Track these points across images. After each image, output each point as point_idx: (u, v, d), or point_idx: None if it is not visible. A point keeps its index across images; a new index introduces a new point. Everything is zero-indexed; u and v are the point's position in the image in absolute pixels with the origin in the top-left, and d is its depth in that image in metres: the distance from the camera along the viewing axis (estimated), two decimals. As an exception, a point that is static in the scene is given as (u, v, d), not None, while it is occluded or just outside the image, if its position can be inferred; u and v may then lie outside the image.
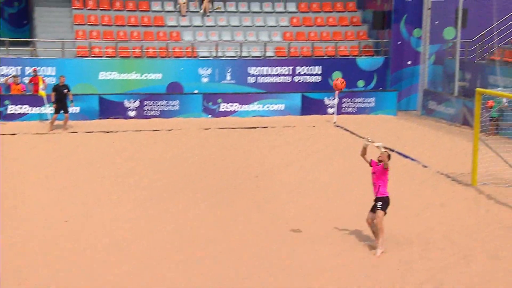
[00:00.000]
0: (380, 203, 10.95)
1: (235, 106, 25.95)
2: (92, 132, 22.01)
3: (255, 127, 23.83)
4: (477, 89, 15.65)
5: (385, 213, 10.83)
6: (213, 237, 11.63)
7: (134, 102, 25.00)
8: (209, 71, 26.91)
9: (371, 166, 11.13)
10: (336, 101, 25.29)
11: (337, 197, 14.53)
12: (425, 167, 17.51)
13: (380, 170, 10.96)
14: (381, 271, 10.04)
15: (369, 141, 10.83)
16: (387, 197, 10.93)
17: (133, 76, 26.17)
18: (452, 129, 24.00)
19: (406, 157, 18.35)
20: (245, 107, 26.02)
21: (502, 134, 21.45)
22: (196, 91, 26.38)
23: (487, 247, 11.15)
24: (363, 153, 11.31)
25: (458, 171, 16.88)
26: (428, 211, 13.54)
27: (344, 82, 11.73)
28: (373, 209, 10.99)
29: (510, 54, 23.96)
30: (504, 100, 20.84)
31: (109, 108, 24.67)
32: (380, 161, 10.99)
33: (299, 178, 16.23)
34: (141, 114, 25.08)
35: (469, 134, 21.66)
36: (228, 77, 27.11)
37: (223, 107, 25.88)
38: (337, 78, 11.70)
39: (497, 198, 14.36)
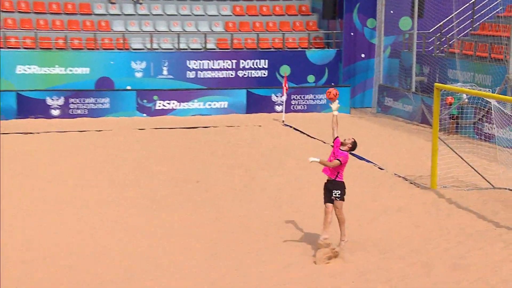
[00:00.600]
0: (338, 191, 11.19)
1: (172, 104, 25.83)
2: (8, 133, 21.52)
3: (196, 127, 23.77)
4: (436, 84, 16.03)
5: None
6: (143, 247, 11.58)
7: (58, 99, 24.58)
8: (143, 65, 26.69)
9: (333, 144, 11.37)
10: (284, 98, 25.48)
11: (287, 202, 14.62)
12: (381, 169, 17.83)
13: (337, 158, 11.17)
14: (336, 283, 10.15)
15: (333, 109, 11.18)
16: (343, 182, 11.19)
17: (56, 70, 25.71)
18: (410, 128, 24.52)
19: (361, 158, 18.64)
20: (184, 105, 25.93)
21: (463, 133, 22.04)
22: (128, 87, 26.13)
23: (448, 255, 11.42)
24: (334, 122, 11.49)
25: (417, 173, 17.25)
26: (385, 216, 13.78)
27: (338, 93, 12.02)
28: (329, 197, 11.13)
29: (470, 47, 24.65)
30: (464, 96, 21.43)
31: (29, 106, 24.19)
32: (343, 144, 11.30)
33: (245, 182, 16.28)
34: (66, 113, 24.68)
35: (428, 133, 22.16)
36: (165, 72, 26.96)
37: (160, 105, 25.71)
38: (333, 89, 11.93)
39: (458, 202, 14.74)
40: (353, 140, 11.49)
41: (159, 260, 11.14)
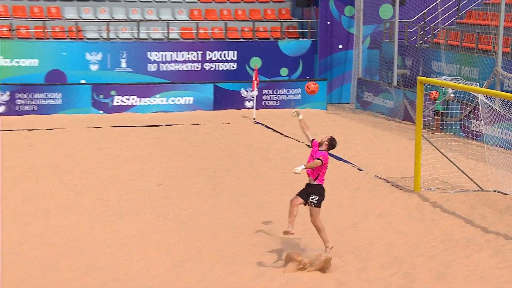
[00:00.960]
0: (316, 197, 11.26)
1: (132, 100, 25.72)
2: (-50, 133, 21.27)
3: (158, 125, 23.69)
4: (419, 77, 16.17)
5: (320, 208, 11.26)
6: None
7: (3, 94, 24.34)
8: (99, 56, 26.53)
9: (311, 146, 11.43)
10: (255, 93, 25.51)
11: (257, 208, 14.66)
12: (361, 170, 17.95)
13: (316, 158, 11.29)
14: (311, 296, 10.22)
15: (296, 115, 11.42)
16: (323, 187, 11.30)
17: (1, 62, 25.41)
18: (392, 125, 24.71)
19: (338, 158, 18.74)
20: (145, 101, 25.83)
21: (448, 131, 22.28)
22: (83, 81, 25.95)
23: (433, 264, 11.54)
24: (301, 126, 11.64)
25: (399, 175, 17.39)
26: (365, 222, 13.87)
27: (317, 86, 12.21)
28: (305, 198, 11.21)
29: (456, 37, 24.92)
30: (450, 90, 21.66)
31: (-29, 102, 23.92)
32: (320, 144, 11.44)
33: (212, 186, 16.27)
34: (12, 109, 24.44)
35: (410, 131, 22.35)
36: (123, 64, 26.82)
37: (118, 100, 25.59)
38: (312, 83, 12.14)
39: (443, 206, 14.89)
40: (329, 137, 11.56)
41: (116, 270, 11.08)
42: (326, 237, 11.49)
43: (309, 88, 12.46)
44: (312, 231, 12.11)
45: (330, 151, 11.70)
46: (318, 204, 11.32)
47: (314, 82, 12.62)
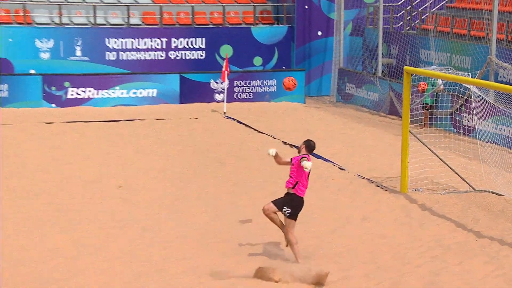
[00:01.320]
0: (288, 210, 11.44)
1: (88, 92, 25.59)
2: None
3: (117, 121, 23.58)
4: (406, 67, 16.25)
5: (295, 220, 11.51)
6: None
7: None
8: (51, 43, 26.34)
9: (292, 163, 11.67)
10: (226, 84, 25.48)
11: (227, 212, 14.64)
12: (342, 169, 18.00)
13: (297, 164, 11.50)
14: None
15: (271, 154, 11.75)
16: (299, 198, 11.47)
17: None
18: (376, 120, 24.81)
19: (318, 157, 18.78)
20: (103, 94, 25.71)
21: (438, 126, 22.43)
22: (32, 71, 25.76)
23: (421, 272, 11.60)
24: (277, 161, 11.95)
25: (384, 175, 17.46)
26: (347, 227, 13.91)
27: (295, 81, 12.46)
28: (279, 206, 11.50)
29: (446, 22, 25.08)
30: (440, 81, 21.78)
31: None
32: (299, 151, 11.82)
33: (177, 188, 16.22)
34: (-46, 103, 24.22)
35: (397, 126, 22.45)
36: (78, 52, 26.66)
37: (72, 93, 25.44)
38: (289, 78, 12.35)
39: (432, 209, 14.98)
40: (304, 141, 11.81)
41: (71, 283, 11.02)
42: (299, 253, 11.57)
43: (284, 85, 12.61)
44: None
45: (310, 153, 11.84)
46: (291, 216, 11.50)
47: (291, 78, 12.69)
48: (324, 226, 13.70)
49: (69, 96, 25.38)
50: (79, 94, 25.49)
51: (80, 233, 13.33)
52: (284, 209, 11.54)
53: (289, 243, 11.65)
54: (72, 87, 25.40)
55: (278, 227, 11.80)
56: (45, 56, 26.32)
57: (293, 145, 19.97)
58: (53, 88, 25.20)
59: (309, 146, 11.78)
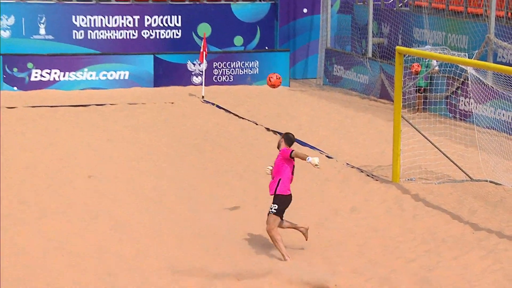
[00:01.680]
0: (276, 206, 11.77)
1: (54, 74, 25.48)
2: None
3: (86, 105, 23.51)
4: (398, 47, 16.30)
5: (281, 218, 11.84)
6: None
7: None
8: (11, 20, 26.18)
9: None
10: (203, 66, 25.45)
11: (206, 204, 14.68)
12: (330, 158, 18.06)
13: (279, 159, 11.80)
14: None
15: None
16: (286, 196, 11.77)
17: None
18: (366, 104, 24.88)
19: (304, 144, 18.83)
20: (70, 76, 25.62)
21: (432, 111, 22.51)
22: (-7, 52, 25.64)
23: (414, 267, 11.68)
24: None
25: (375, 163, 17.54)
26: (335, 219, 13.98)
27: (280, 78, 12.74)
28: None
29: (441, -1, 25.11)
30: (435, 63, 21.89)
31: None
32: (278, 146, 12.08)
33: (152, 178, 16.23)
34: None
35: (388, 111, 22.52)
36: (42, 31, 26.52)
37: (36, 75, 25.33)
38: (274, 75, 12.65)
39: (426, 199, 15.07)
40: (283, 134, 12.12)
41: (38, 281, 11.03)
42: (283, 250, 11.78)
43: (270, 81, 12.81)
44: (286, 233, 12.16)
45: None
46: (277, 213, 11.78)
47: (278, 76, 12.85)
48: (310, 218, 13.75)
49: (32, 79, 25.27)
50: (44, 77, 25.38)
51: (46, 227, 13.31)
52: (271, 207, 11.80)
53: (272, 240, 11.81)
54: (36, 69, 25.27)
55: (295, 229, 12.22)
56: (5, 34, 26.16)
57: (276, 132, 20.01)
58: (15, 69, 25.06)
59: (288, 139, 12.04)
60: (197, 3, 28.27)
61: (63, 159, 17.63)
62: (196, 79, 26.50)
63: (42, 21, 26.47)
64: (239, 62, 27.07)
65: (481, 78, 18.17)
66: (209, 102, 24.37)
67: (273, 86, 13.00)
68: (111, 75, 25.93)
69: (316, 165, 11.56)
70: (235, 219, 13.77)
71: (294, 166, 11.91)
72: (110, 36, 27.19)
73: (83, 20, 26.89)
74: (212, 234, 13.03)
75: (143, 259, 11.97)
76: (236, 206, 14.49)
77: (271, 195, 11.89)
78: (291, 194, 11.87)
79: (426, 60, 22.31)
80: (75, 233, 13.04)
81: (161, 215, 14.03)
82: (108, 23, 27.14)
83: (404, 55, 16.51)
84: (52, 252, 12.17)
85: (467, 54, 21.52)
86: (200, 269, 11.46)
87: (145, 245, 12.52)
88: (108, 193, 15.27)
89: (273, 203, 11.83)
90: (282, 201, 11.81)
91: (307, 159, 11.51)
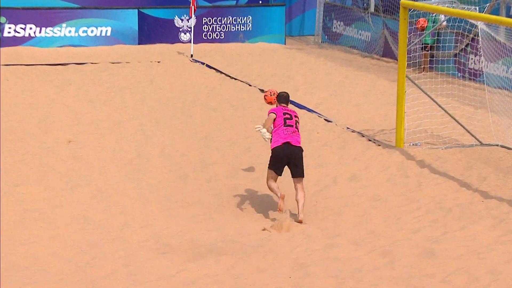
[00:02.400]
0: (269, 160, 12.59)
1: (30, 30, 25.39)
2: None
3: (65, 64, 23.46)
4: (403, 1, 16.26)
5: (274, 171, 12.44)
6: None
7: None
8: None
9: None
10: (193, 22, 25.38)
11: (196, 171, 14.74)
12: (329, 121, 18.10)
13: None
14: (266, 280, 10.37)
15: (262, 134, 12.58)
16: (273, 149, 12.42)
17: None
18: (368, 63, 24.88)
19: (301, 107, 18.86)
20: (47, 32, 25.53)
21: (440, 70, 22.54)
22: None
23: (418, 238, 11.74)
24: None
25: (377, 127, 17.60)
26: (334, 187, 14.07)
27: (275, 94, 13.02)
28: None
29: None
30: (442, 17, 21.88)
31: None
32: (270, 103, 12.98)
33: (137, 144, 16.26)
34: None
35: (392, 70, 22.55)
36: (16, -18, 26.40)
37: (10, 30, 25.24)
38: (270, 92, 13.00)
39: (432, 166, 15.14)
40: (274, 93, 12.83)
41: (15, 252, 11.09)
42: (275, 189, 12.46)
43: (266, 99, 13.12)
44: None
45: (287, 105, 12.65)
46: (269, 166, 12.48)
47: (272, 92, 13.08)
48: (307, 187, 13.76)
49: (5, 34, 25.17)
50: (18, 32, 25.28)
51: (23, 196, 13.35)
52: None
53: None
54: (9, 23, 25.17)
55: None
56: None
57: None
58: (-12, 26, 24.98)
59: (280, 96, 12.67)
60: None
61: (41, 122, 17.63)
62: (184, 36, 26.44)
63: (15, -29, 26.33)
64: (231, 18, 27.00)
65: (492, 34, 18.17)
66: (198, 61, 24.35)
67: (270, 103, 13.14)
68: (91, 31, 25.85)
69: (263, 137, 12.44)
70: (226, 188, 13.85)
71: (286, 113, 12.38)
72: (90, -11, 27.06)
73: (60, -29, 26.74)
74: (201, 204, 13.11)
75: (128, 230, 12.04)
76: (226, 174, 14.56)
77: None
78: (281, 145, 12.27)
79: (433, 15, 22.29)
80: (54, 203, 13.09)
81: (147, 183, 14.10)
82: (88, -26, 27.00)
83: (409, 9, 16.49)
84: (31, 222, 12.23)
85: (477, 8, 21.49)
86: (189, 241, 11.55)
87: (130, 216, 12.60)
88: (90, 159, 15.31)
89: None
90: (272, 155, 12.40)
91: (260, 129, 12.37)
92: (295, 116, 12.48)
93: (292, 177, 12.41)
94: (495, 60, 20.45)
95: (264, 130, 12.39)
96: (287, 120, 12.33)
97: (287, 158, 12.32)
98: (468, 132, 16.54)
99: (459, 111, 17.79)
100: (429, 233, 11.91)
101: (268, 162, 12.46)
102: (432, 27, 22.33)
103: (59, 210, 12.77)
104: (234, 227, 12.11)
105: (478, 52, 20.94)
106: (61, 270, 10.57)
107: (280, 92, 12.74)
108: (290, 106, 13.09)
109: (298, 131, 12.40)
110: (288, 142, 12.26)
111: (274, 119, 12.33)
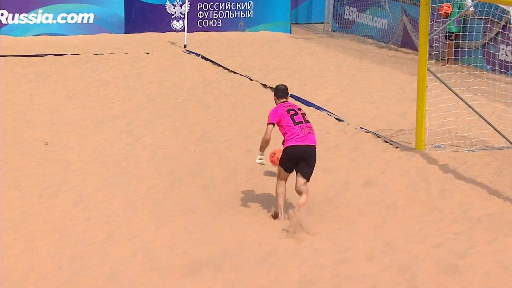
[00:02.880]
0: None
1: (1, 17, 25.45)
2: None
3: (42, 55, 23.50)
4: (424, -15, 16.32)
5: (285, 170, 12.70)
6: None
7: None
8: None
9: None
10: (186, 7, 25.42)
11: (189, 175, 14.77)
12: (340, 120, 18.14)
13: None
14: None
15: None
16: (284, 149, 12.65)
17: None
18: (384, 55, 24.90)
19: (309, 104, 18.88)
20: (21, 18, 25.58)
21: (466, 62, 22.55)
22: None
23: (441, 253, 11.77)
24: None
25: (394, 127, 17.63)
26: (346, 194, 14.09)
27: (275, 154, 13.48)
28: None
29: None
30: (469, 2, 21.92)
31: None
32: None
33: (124, 145, 16.30)
34: None
35: (412, 63, 22.58)
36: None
37: (-19, 19, 25.31)
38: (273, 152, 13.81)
39: (457, 171, 15.16)
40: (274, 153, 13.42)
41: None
42: (280, 206, 12.67)
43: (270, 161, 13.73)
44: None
45: (287, 100, 12.76)
46: (280, 164, 12.78)
47: (278, 152, 13.49)
48: (316, 193, 13.85)
49: (-24, 23, 25.26)
50: (-9, 21, 25.37)
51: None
52: None
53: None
54: (-21, 10, 25.26)
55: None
56: None
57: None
58: (-44, 12, 25.07)
59: (277, 89, 12.84)
60: None
61: (15, 121, 17.67)
62: (176, 24, 26.51)
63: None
64: (229, 3, 27.07)
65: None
66: (193, 53, 24.40)
67: (274, 160, 13.54)
68: (71, 18, 25.93)
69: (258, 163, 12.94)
70: (224, 194, 13.88)
71: (291, 110, 12.50)
72: (70, -29, 27.14)
73: (37, -50, 26.83)
74: (196, 213, 13.14)
75: (114, 242, 12.07)
76: (224, 178, 14.60)
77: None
78: (288, 147, 12.48)
79: (459, 0, 22.31)
80: (31, 212, 13.13)
81: (135, 189, 14.14)
82: (68, -46, 27.08)
83: (431, -5, 16.53)
84: (2, 233, 12.26)
85: (509, -8, 21.54)
86: (183, 255, 11.58)
87: (115, 226, 12.63)
88: (70, 162, 15.35)
89: None
90: (285, 153, 12.61)
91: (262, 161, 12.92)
92: (299, 109, 12.63)
93: (301, 176, 12.48)
94: (529, 51, 20.49)
95: (258, 157, 12.82)
96: (294, 117, 12.45)
97: (301, 157, 12.48)
98: (498, 132, 16.55)
99: (488, 108, 17.81)
100: (453, 247, 11.95)
101: (280, 161, 12.74)
102: (458, 13, 22.35)
103: (35, 220, 12.80)
104: (233, 239, 12.14)
105: (510, 42, 20.96)
106: None
107: (277, 86, 12.91)
108: (297, 104, 13.10)
109: (311, 125, 12.55)
110: (306, 145, 12.46)
111: (278, 123, 12.47)
